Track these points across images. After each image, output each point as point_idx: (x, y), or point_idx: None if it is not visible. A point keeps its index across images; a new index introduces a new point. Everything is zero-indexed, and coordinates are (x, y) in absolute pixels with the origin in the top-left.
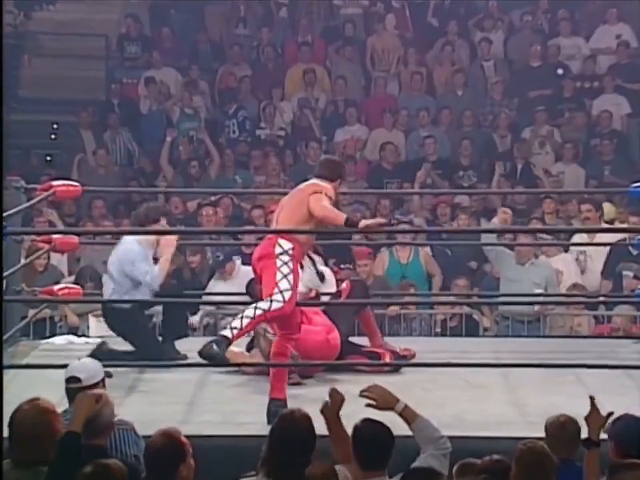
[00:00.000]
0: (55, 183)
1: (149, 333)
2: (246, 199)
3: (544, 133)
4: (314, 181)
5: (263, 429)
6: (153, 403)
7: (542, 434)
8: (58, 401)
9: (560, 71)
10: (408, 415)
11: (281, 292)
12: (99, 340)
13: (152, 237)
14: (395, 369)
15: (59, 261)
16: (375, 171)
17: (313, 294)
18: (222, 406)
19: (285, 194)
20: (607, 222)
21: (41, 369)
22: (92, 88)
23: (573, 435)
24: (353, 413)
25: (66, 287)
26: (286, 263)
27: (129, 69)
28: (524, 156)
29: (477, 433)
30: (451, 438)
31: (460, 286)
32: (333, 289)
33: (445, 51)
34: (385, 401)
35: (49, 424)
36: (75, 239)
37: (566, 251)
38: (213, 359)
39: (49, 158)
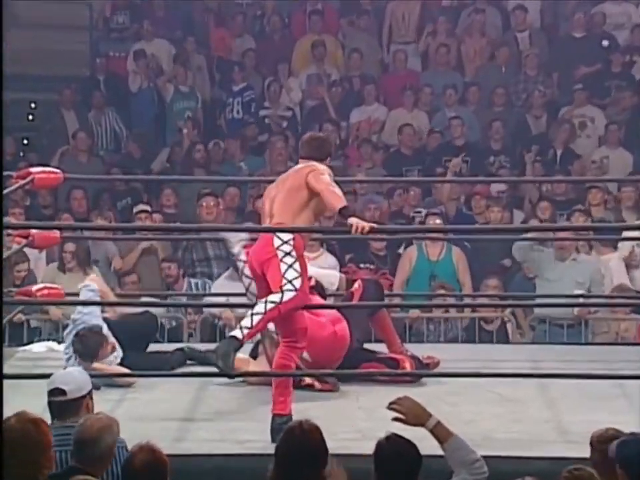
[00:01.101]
0: (33, 169)
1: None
2: (249, 187)
3: (585, 113)
4: (305, 162)
5: (268, 446)
6: (144, 418)
7: (582, 454)
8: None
9: (605, 43)
10: (440, 433)
11: (289, 281)
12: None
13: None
14: (417, 379)
15: (37, 257)
16: (393, 156)
17: (312, 282)
18: (221, 421)
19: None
20: None
21: (18, 380)
22: (74, 63)
23: None
24: (370, 430)
25: (45, 288)
26: (288, 253)
27: (116, 41)
28: (562, 139)
29: (509, 452)
30: None
31: (491, 287)
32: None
33: (474, 21)
34: (415, 415)
35: (40, 437)
36: (56, 233)
37: (615, 247)
38: (221, 370)
39: (26, 141)
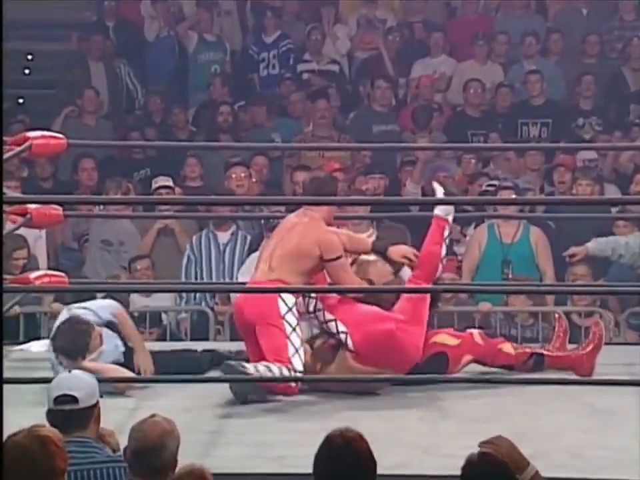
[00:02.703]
0: (31, 134)
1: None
2: (287, 156)
3: None
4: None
5: (308, 464)
6: None
7: None
8: None
9: None
10: None
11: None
12: None
13: None
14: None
15: (36, 236)
16: (457, 118)
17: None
18: (255, 434)
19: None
20: None
21: (13, 385)
22: (78, 6)
23: None
24: (432, 446)
25: (46, 275)
26: (294, 329)
27: None
28: None
29: (600, 474)
30: None
31: (578, 275)
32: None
33: None
34: (512, 460)
35: (45, 460)
36: (58, 209)
37: None
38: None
39: (21, 100)
